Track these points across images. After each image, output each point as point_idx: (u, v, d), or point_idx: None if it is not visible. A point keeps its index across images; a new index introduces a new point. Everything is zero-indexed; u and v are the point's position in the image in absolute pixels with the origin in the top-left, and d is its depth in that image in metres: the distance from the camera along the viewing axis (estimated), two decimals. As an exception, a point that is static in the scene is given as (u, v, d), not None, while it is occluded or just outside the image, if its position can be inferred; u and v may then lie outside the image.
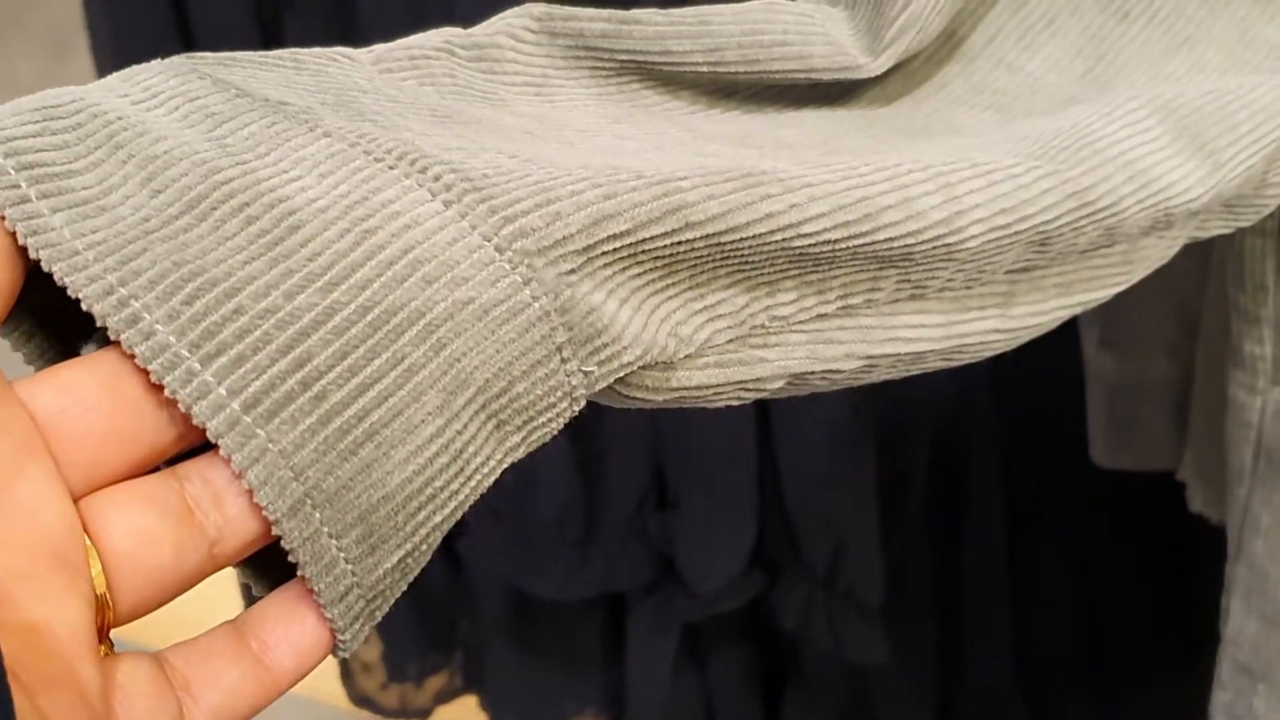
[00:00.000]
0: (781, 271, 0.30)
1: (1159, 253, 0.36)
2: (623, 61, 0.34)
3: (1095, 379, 0.64)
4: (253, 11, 0.85)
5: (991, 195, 0.31)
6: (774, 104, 0.36)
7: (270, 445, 0.22)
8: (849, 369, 0.31)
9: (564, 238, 0.25)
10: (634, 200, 0.26)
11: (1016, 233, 0.31)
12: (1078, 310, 0.36)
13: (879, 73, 0.35)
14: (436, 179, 0.25)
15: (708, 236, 0.27)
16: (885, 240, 0.30)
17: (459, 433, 0.24)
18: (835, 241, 0.29)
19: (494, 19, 0.33)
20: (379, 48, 0.31)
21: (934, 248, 0.30)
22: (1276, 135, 0.36)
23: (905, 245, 0.30)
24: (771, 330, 0.30)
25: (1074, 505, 0.77)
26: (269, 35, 0.86)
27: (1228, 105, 0.36)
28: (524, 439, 0.26)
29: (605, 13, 0.33)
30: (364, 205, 0.24)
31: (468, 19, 0.72)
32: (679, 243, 0.27)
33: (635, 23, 0.33)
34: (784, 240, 0.28)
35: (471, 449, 0.25)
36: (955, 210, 0.30)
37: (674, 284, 0.28)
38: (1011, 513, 0.77)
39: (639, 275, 0.27)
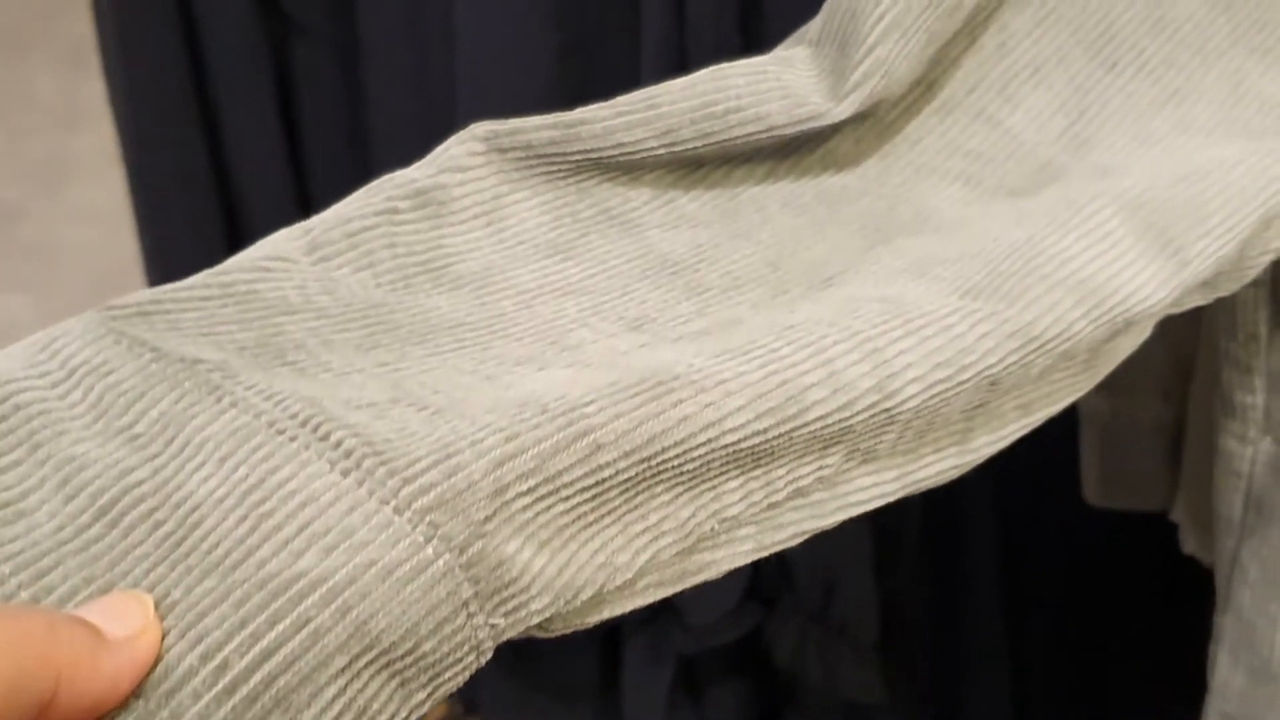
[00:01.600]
0: (721, 472, 0.29)
1: (1126, 347, 0.35)
2: (577, 162, 0.34)
3: (1088, 419, 0.63)
4: (261, 35, 0.86)
5: (925, 352, 0.30)
6: (742, 174, 0.35)
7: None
8: (795, 543, 0.31)
9: (467, 488, 0.25)
10: (537, 437, 0.26)
11: (959, 384, 0.31)
12: (1042, 421, 0.35)
13: (842, 118, 0.35)
14: (338, 445, 0.25)
15: (626, 455, 0.27)
16: (818, 420, 0.29)
17: (360, 691, 0.24)
18: (764, 432, 0.28)
19: (438, 150, 0.33)
20: (318, 226, 0.32)
21: (871, 417, 0.30)
22: (1252, 220, 0.35)
23: (840, 421, 0.29)
24: (720, 532, 0.30)
25: (1070, 544, 0.76)
26: (278, 57, 0.86)
27: (1201, 194, 0.35)
28: (429, 694, 0.26)
29: (550, 119, 0.33)
30: (260, 489, 0.25)
31: (467, 37, 0.71)
32: (598, 468, 0.27)
33: (582, 123, 0.33)
34: (710, 442, 0.28)
35: (376, 706, 0.25)
36: (887, 374, 0.30)
37: (608, 511, 0.28)
38: (1007, 550, 0.76)
39: (566, 511, 0.27)
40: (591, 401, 0.27)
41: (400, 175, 0.33)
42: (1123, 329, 0.33)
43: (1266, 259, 0.39)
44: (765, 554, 0.30)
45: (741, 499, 0.29)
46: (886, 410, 0.30)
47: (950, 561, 0.77)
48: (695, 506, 0.29)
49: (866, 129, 0.37)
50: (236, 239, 0.88)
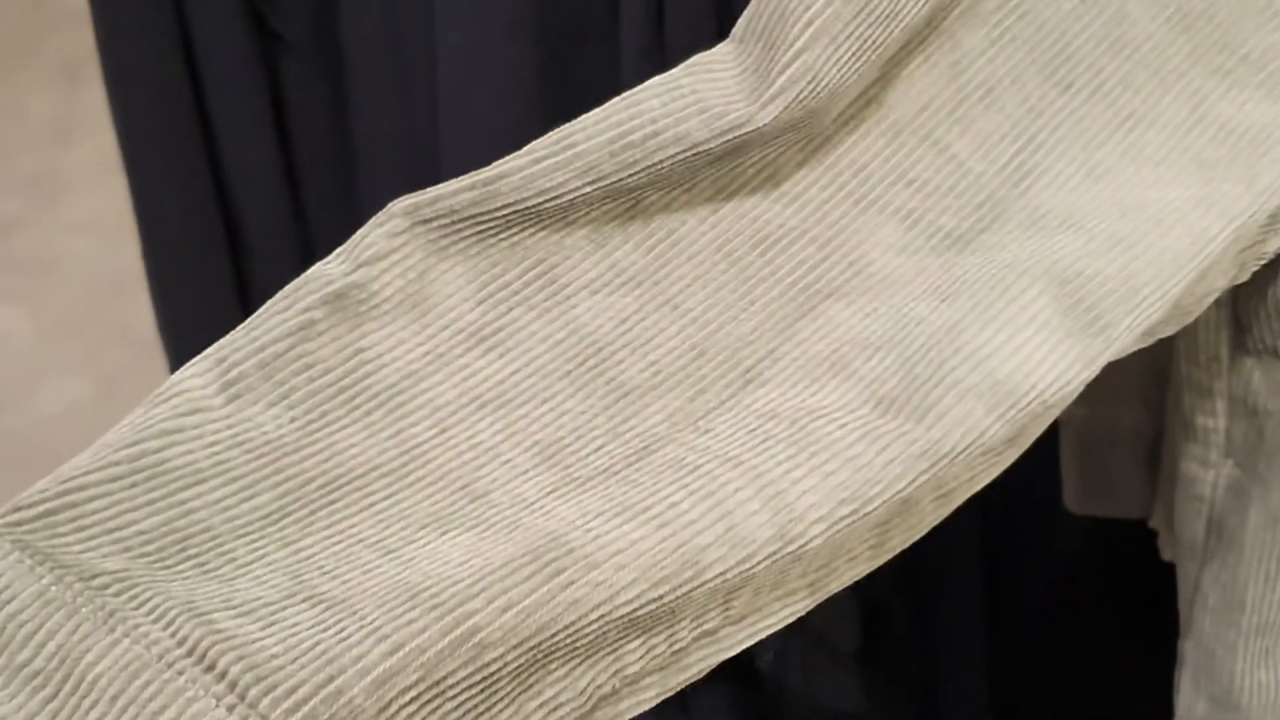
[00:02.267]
0: (620, 637, 0.29)
1: (1048, 420, 0.35)
2: (505, 217, 0.33)
3: (1067, 426, 0.63)
4: (253, 51, 0.86)
5: (829, 489, 0.30)
6: (682, 205, 0.35)
7: None
8: (700, 675, 0.31)
9: (349, 715, 0.26)
10: (422, 645, 0.26)
11: (866, 514, 0.30)
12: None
13: (766, 124, 0.34)
14: (223, 676, 0.26)
15: (515, 647, 0.27)
16: (717, 577, 0.29)
17: None
18: (660, 599, 0.28)
19: (358, 236, 0.33)
20: (231, 355, 0.31)
21: (774, 562, 0.29)
22: (1185, 282, 0.35)
23: (742, 573, 0.29)
24: (622, 690, 0.30)
25: (1052, 551, 0.76)
26: (270, 73, 0.87)
27: (1133, 264, 0.35)
28: None
29: (469, 180, 0.33)
30: None
31: (448, 53, 0.72)
32: (485, 665, 0.27)
33: (501, 177, 0.33)
34: (602, 619, 0.28)
35: None
36: (788, 520, 0.29)
37: (500, 698, 0.28)
38: (989, 559, 0.76)
39: (455, 709, 0.27)
40: (480, 592, 0.27)
41: (317, 275, 0.32)
42: (1042, 413, 0.33)
43: (1208, 300, 0.39)
44: (671, 693, 0.30)
45: (643, 656, 0.29)
46: (790, 554, 0.29)
47: (931, 570, 0.77)
48: (594, 673, 0.29)
49: (812, 146, 0.37)
50: (236, 249, 0.89)
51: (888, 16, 0.36)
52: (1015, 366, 0.32)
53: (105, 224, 1.22)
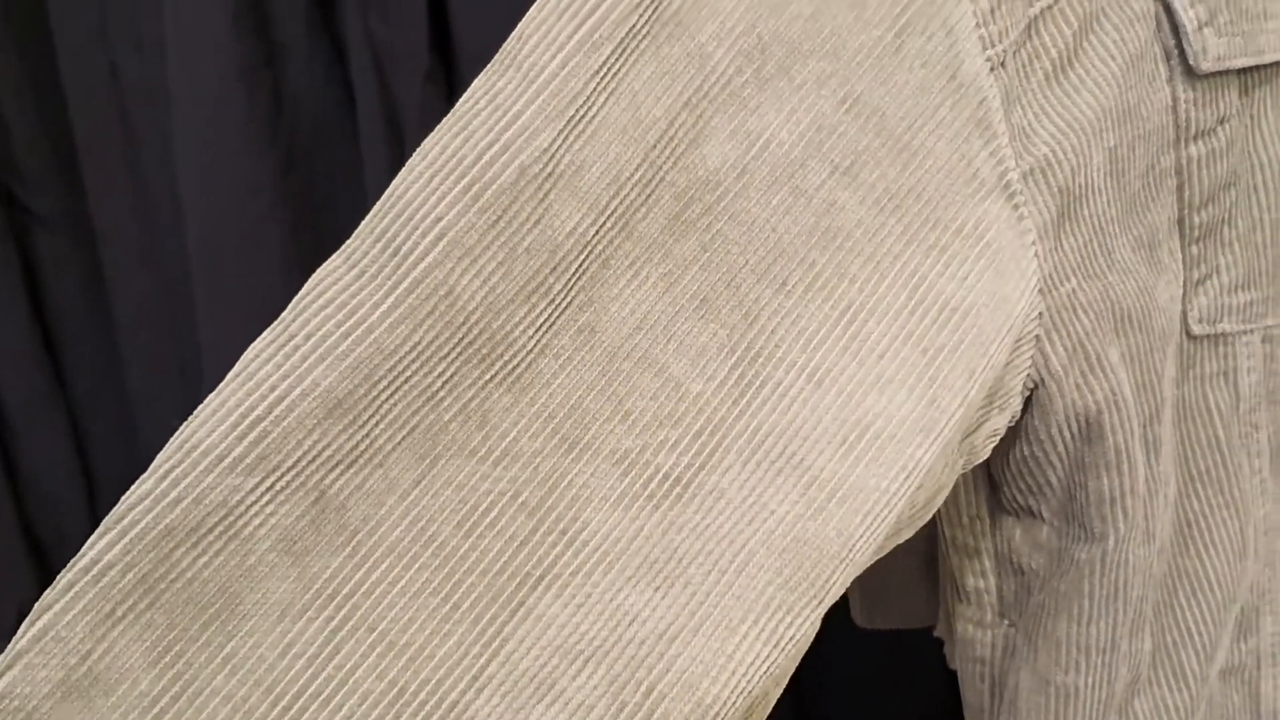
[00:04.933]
0: None
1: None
2: (168, 553, 0.31)
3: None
4: (6, 227, 0.83)
5: None
6: (372, 484, 0.33)
7: None
8: None
9: None
10: None
11: None
12: None
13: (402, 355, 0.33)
14: None
15: None
16: None
17: None
18: None
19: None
20: None
21: None
22: (896, 513, 0.35)
23: None
24: None
25: (854, 665, 0.75)
26: (23, 248, 0.83)
27: (848, 518, 0.35)
28: None
29: (114, 530, 0.31)
30: None
31: (195, 216, 0.69)
32: None
33: (140, 514, 0.32)
34: None
35: None
36: None
37: None
38: (795, 681, 0.75)
39: None
40: None
41: None
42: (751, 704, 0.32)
43: (942, 496, 0.38)
44: None
45: None
46: None
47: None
48: None
49: (520, 385, 0.35)
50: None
51: (534, 223, 0.34)
52: (723, 685, 0.31)
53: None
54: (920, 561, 0.61)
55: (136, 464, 0.31)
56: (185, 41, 0.67)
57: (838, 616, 0.68)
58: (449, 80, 0.65)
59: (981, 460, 0.41)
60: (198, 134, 0.69)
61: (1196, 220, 0.44)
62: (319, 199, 0.70)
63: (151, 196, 0.76)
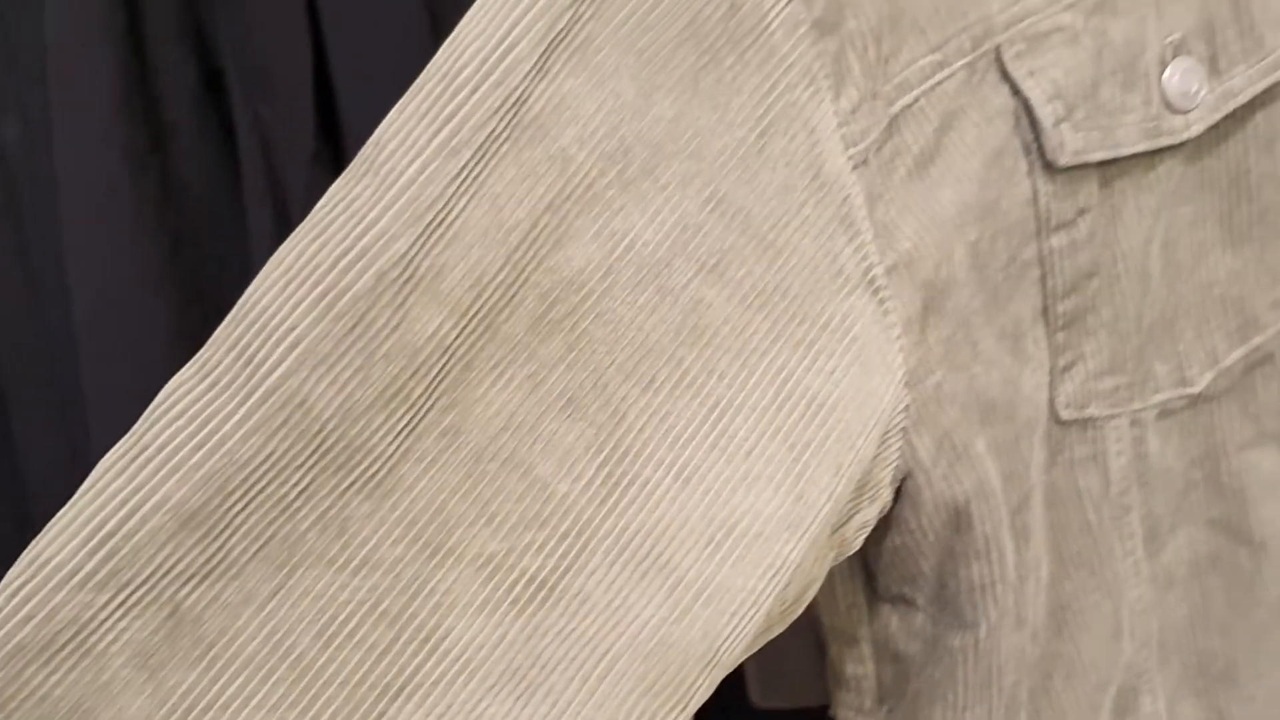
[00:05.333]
0: None
1: None
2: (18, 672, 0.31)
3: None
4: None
5: None
6: (228, 596, 0.33)
7: None
8: None
9: None
10: None
11: None
12: None
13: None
14: None
15: None
16: None
17: None
18: None
19: None
20: None
21: None
22: (764, 611, 0.35)
23: None
24: None
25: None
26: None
27: (714, 621, 0.35)
28: None
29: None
30: None
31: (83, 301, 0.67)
32: None
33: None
34: None
35: None
36: None
37: None
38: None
39: None
40: None
41: None
42: None
43: (813, 590, 0.38)
44: None
45: None
46: None
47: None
48: None
49: (381, 491, 0.34)
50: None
51: (392, 329, 0.34)
52: None
53: None
54: (814, 639, 0.61)
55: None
56: (72, 125, 0.67)
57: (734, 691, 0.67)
58: (336, 163, 0.65)
59: (853, 552, 0.41)
60: (85, 217, 0.68)
61: (1061, 309, 0.45)
62: (207, 280, 0.69)
63: (40, 278, 0.75)
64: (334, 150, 0.65)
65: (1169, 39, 0.45)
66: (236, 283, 0.70)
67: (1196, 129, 0.46)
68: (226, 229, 0.69)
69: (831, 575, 0.45)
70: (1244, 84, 0.46)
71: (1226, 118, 0.46)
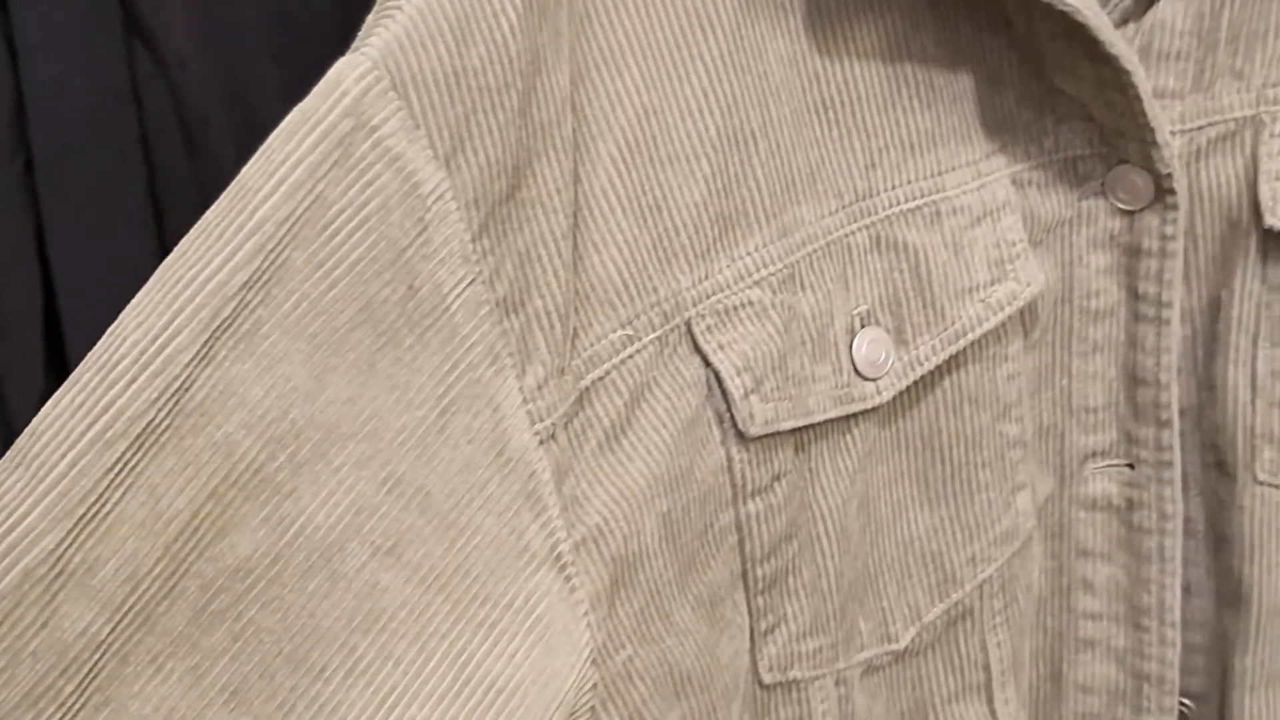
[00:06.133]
0: None
1: None
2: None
3: None
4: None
5: None
6: None
7: None
8: None
9: None
10: None
11: None
12: None
13: None
14: None
15: None
16: None
17: None
18: None
19: None
20: None
21: None
22: None
23: None
24: None
25: None
26: None
27: None
28: None
29: None
30: None
31: None
32: None
33: None
34: None
35: None
36: None
37: None
38: None
39: None
40: None
41: None
42: None
43: None
44: None
45: None
46: None
47: None
48: None
49: None
50: None
51: (40, 626, 0.33)
52: None
53: None
54: None
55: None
56: None
57: None
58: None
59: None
60: None
61: (760, 573, 0.46)
62: None
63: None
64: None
65: (856, 310, 0.47)
66: None
67: (887, 394, 0.47)
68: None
69: None
70: (929, 353, 0.48)
71: (916, 383, 0.48)
